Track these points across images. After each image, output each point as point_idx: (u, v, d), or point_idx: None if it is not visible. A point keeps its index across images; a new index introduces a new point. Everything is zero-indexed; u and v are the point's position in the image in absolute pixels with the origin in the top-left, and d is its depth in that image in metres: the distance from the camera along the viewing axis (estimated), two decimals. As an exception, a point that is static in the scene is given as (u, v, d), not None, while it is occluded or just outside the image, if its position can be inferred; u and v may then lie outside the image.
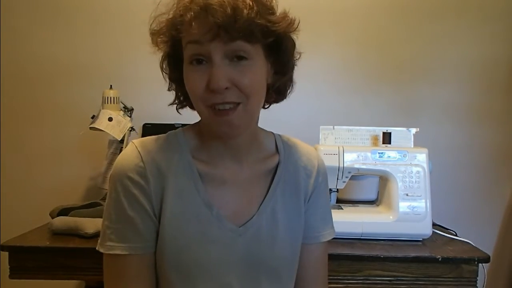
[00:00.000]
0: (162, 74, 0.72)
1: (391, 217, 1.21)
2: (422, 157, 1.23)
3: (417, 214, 1.19)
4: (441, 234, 1.27)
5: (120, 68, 1.67)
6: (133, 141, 0.71)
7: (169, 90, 0.74)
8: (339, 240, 1.17)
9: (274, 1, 0.67)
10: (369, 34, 1.70)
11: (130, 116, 1.50)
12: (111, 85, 1.47)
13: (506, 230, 1.73)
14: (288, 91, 0.76)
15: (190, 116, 0.77)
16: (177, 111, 0.77)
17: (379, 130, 1.30)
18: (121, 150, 1.45)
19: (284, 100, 0.77)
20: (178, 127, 0.76)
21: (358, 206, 1.36)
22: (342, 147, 1.24)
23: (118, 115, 1.43)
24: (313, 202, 0.78)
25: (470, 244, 1.19)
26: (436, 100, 1.71)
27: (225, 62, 0.62)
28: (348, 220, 1.20)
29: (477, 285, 1.10)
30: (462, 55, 1.69)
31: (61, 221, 1.14)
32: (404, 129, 1.30)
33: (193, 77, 0.64)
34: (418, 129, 1.30)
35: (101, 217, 0.70)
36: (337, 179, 1.24)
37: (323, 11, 1.68)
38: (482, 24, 1.68)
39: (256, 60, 0.64)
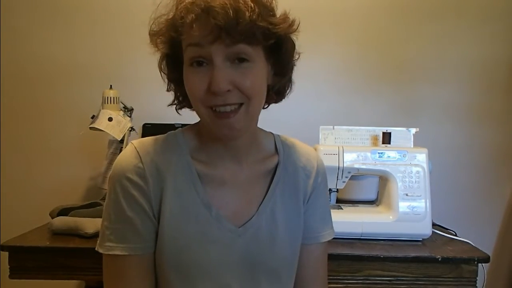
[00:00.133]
0: (161, 74, 0.72)
1: (391, 217, 1.21)
2: (422, 157, 1.23)
3: (417, 214, 1.19)
4: (441, 234, 1.27)
5: (120, 68, 1.67)
6: (132, 141, 0.71)
7: (168, 90, 0.74)
8: (339, 240, 1.17)
9: (274, 2, 0.66)
10: (369, 34, 1.70)
11: (130, 116, 1.50)
12: (111, 85, 1.47)
13: (506, 230, 1.73)
14: (288, 91, 0.76)
15: (190, 116, 0.77)
16: (177, 112, 0.77)
17: (379, 130, 1.30)
18: (121, 150, 1.45)
19: (284, 100, 0.77)
20: (178, 127, 0.76)
21: (358, 206, 1.36)
22: (342, 147, 1.24)
23: (118, 115, 1.43)
24: (312, 203, 0.78)
25: (470, 244, 1.19)
26: (436, 100, 1.71)
27: (226, 64, 0.62)
28: (348, 220, 1.20)
29: (477, 285, 1.10)
30: (462, 55, 1.69)
31: (61, 221, 1.14)
32: (404, 129, 1.30)
33: (194, 79, 0.64)
34: (418, 129, 1.30)
35: (101, 217, 0.70)
36: (337, 179, 1.24)
37: (323, 11, 1.68)
38: (482, 24, 1.68)
39: (257, 62, 0.64)
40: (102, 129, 1.39)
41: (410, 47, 1.70)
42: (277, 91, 0.73)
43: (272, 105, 0.77)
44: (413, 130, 1.30)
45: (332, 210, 0.84)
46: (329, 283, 0.85)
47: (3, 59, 1.68)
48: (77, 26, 1.68)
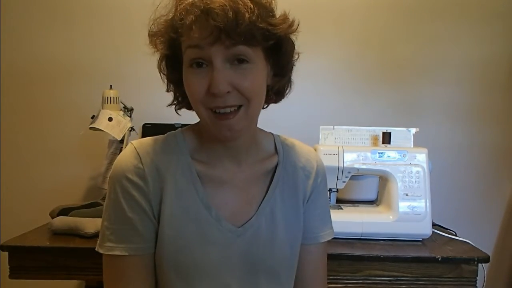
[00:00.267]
0: (160, 75, 0.72)
1: (391, 217, 1.21)
2: (422, 157, 1.23)
3: (417, 214, 1.19)
4: (441, 234, 1.27)
5: (120, 68, 1.67)
6: (132, 142, 0.71)
7: (167, 91, 0.74)
8: (339, 240, 1.17)
9: (273, 3, 0.66)
10: (369, 34, 1.70)
11: (130, 116, 1.50)
12: (111, 85, 1.47)
13: (506, 230, 1.73)
14: (287, 91, 0.76)
15: (190, 116, 0.77)
16: (176, 112, 0.77)
17: (379, 130, 1.30)
18: (121, 150, 1.45)
19: (284, 100, 0.77)
20: (178, 127, 0.76)
21: (358, 206, 1.36)
22: (342, 147, 1.24)
23: (118, 115, 1.43)
24: (312, 203, 0.78)
25: (470, 244, 1.19)
26: (436, 100, 1.71)
27: (225, 65, 0.62)
28: (348, 220, 1.20)
29: (477, 285, 1.10)
30: (462, 55, 1.69)
31: (61, 221, 1.14)
32: (404, 129, 1.30)
33: (193, 81, 0.63)
34: (418, 129, 1.30)
35: (101, 217, 0.70)
36: (337, 179, 1.24)
37: (323, 11, 1.68)
38: (482, 24, 1.68)
39: (257, 63, 0.64)
40: (102, 129, 1.39)
41: (410, 47, 1.70)
42: (276, 91, 0.73)
43: (272, 105, 0.77)
44: (413, 130, 1.30)
45: (332, 210, 0.84)
46: (329, 283, 0.85)
47: (3, 59, 1.68)
48: (77, 26, 1.68)
